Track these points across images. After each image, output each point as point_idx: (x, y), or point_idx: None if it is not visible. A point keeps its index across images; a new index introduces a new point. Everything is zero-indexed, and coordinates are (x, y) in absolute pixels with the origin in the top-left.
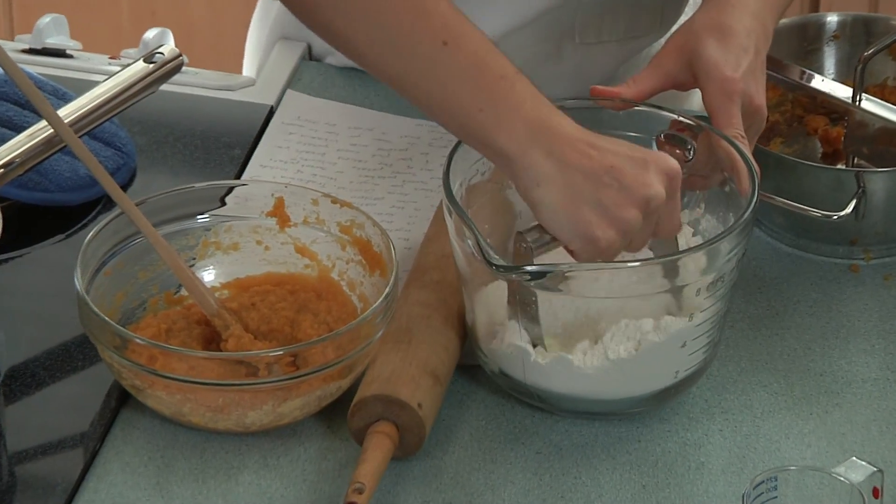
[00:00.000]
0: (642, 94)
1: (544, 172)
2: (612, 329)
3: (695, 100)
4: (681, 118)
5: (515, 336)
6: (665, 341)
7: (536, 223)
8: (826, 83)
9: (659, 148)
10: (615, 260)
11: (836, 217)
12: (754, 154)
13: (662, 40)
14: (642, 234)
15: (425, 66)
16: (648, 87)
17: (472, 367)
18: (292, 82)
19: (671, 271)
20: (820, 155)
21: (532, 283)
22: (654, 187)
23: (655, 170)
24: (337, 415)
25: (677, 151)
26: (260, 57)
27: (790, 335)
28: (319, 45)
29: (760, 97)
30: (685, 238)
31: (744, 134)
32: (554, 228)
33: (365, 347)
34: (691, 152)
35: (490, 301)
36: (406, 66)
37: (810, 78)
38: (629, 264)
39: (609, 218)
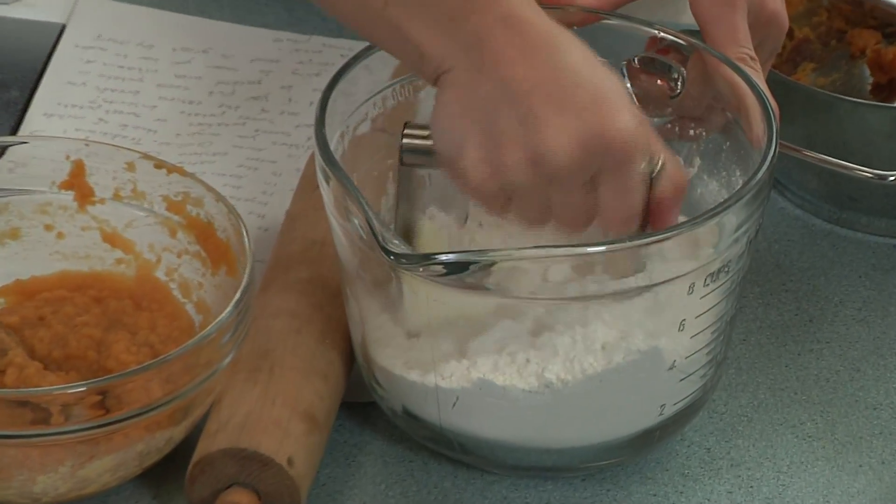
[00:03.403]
0: (606, 1)
1: (458, 65)
2: (566, 345)
3: (683, 6)
4: (662, 34)
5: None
6: (644, 361)
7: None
8: None
9: (632, 77)
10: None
11: (892, 178)
12: (771, 85)
13: None
14: (560, 205)
15: None
16: None
17: (364, 406)
18: None
19: (651, 259)
20: (870, 87)
21: (448, 280)
22: (558, 142)
23: (586, 123)
24: (169, 479)
25: (658, 82)
26: None
27: (830, 351)
28: None
29: (776, 0)
30: None
31: (754, 55)
32: (434, 128)
33: (207, 380)
34: (678, 83)
35: (389, 306)
36: None
37: None
38: (588, 249)
39: (489, 149)
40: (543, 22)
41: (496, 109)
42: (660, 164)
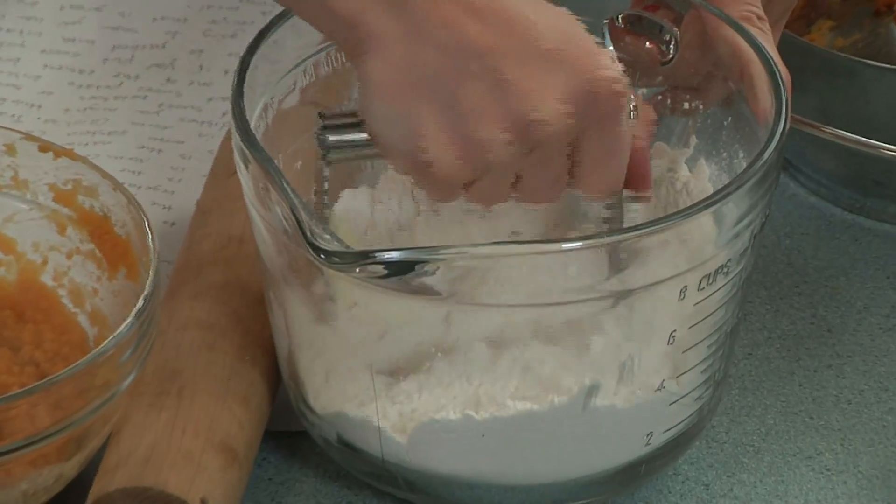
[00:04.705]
0: None
1: (381, 34)
2: (528, 362)
3: None
4: None
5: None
6: (626, 382)
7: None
8: None
9: (615, 39)
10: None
11: None
12: (780, 47)
13: None
14: (533, 176)
15: None
16: None
17: (292, 435)
18: None
19: (633, 258)
20: None
21: (391, 283)
22: (548, 105)
23: (570, 74)
24: None
25: (647, 45)
26: None
27: (852, 368)
28: None
29: None
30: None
31: (762, 14)
32: (372, 124)
33: (103, 405)
34: (671, 47)
35: (321, 314)
36: None
37: None
38: (563, 246)
39: (457, 129)
40: None
41: (454, 79)
42: (633, 107)
